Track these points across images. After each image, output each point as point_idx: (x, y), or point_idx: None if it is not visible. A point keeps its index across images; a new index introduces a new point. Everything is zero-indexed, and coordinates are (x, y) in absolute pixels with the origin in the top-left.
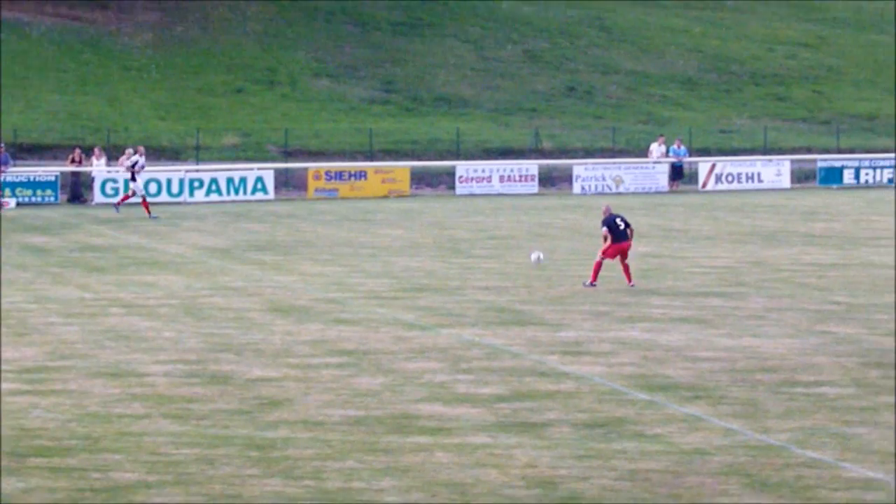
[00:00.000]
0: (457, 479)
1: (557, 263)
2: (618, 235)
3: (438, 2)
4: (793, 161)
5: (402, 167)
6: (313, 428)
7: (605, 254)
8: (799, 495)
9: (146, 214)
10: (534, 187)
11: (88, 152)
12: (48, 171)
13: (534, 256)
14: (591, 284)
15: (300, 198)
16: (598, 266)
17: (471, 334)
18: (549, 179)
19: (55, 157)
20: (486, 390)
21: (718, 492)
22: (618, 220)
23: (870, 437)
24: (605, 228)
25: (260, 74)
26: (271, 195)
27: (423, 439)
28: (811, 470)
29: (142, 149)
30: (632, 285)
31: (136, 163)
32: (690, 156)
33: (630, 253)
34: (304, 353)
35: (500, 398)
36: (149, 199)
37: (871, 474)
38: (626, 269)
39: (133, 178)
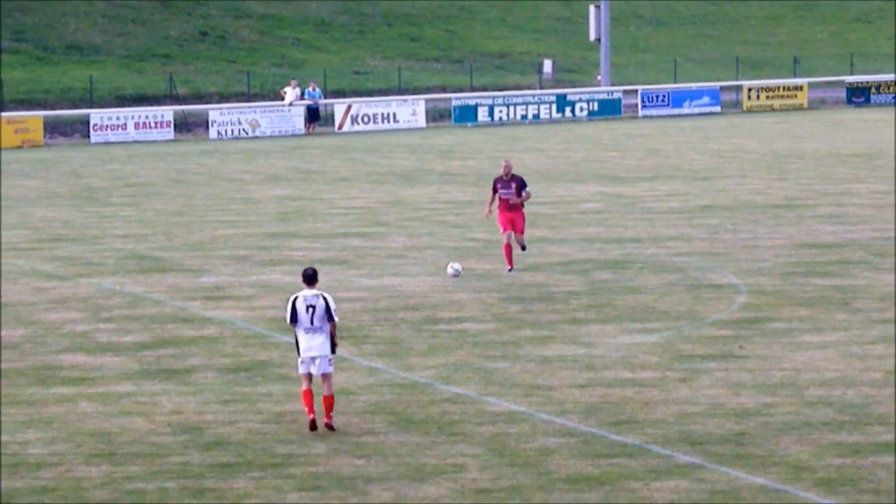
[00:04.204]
0: (102, 428)
1: (197, 209)
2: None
3: None
4: (427, 100)
5: (35, 117)
6: None
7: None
8: (444, 430)
9: None
10: (169, 133)
11: None
12: None
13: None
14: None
15: None
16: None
17: (111, 282)
18: (184, 125)
19: None
20: (129, 338)
21: (365, 430)
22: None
23: (511, 370)
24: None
25: None
26: None
27: (66, 390)
28: (456, 405)
29: None
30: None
31: None
32: (325, 98)
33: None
34: None
35: (143, 345)
36: None
37: (514, 407)
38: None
39: None
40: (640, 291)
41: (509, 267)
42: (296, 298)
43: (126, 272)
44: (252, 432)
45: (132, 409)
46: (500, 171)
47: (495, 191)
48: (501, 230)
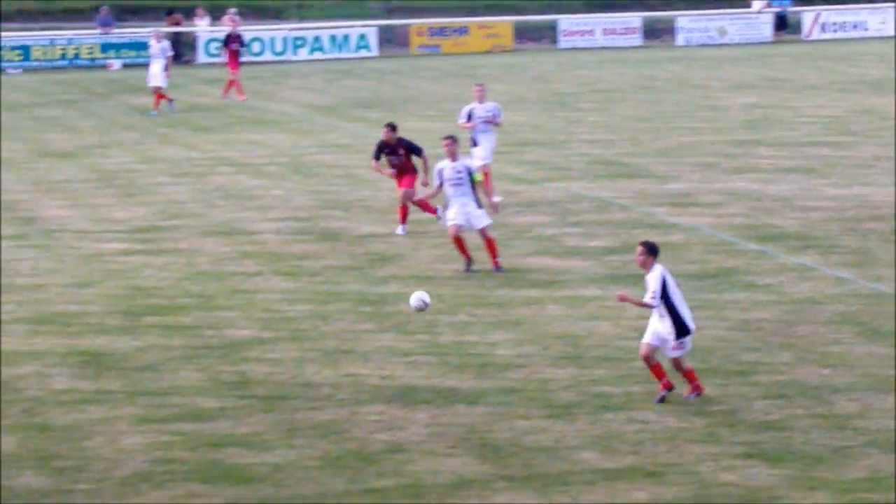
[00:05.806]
0: (569, 331)
1: (664, 115)
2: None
3: None
4: None
5: (505, 22)
6: (424, 283)
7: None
8: None
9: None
10: (637, 39)
11: (189, 13)
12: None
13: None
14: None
15: (403, 54)
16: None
17: (578, 187)
18: (652, 31)
19: (157, 19)
20: (595, 243)
21: (831, 340)
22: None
23: None
24: None
25: None
26: (374, 52)
27: (534, 292)
28: None
29: (233, 11)
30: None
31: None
32: (794, 5)
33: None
34: (413, 209)
35: (610, 250)
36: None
37: None
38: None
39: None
40: None
41: None
42: None
43: (593, 177)
44: (717, 339)
45: (598, 313)
46: None
47: None
48: None
